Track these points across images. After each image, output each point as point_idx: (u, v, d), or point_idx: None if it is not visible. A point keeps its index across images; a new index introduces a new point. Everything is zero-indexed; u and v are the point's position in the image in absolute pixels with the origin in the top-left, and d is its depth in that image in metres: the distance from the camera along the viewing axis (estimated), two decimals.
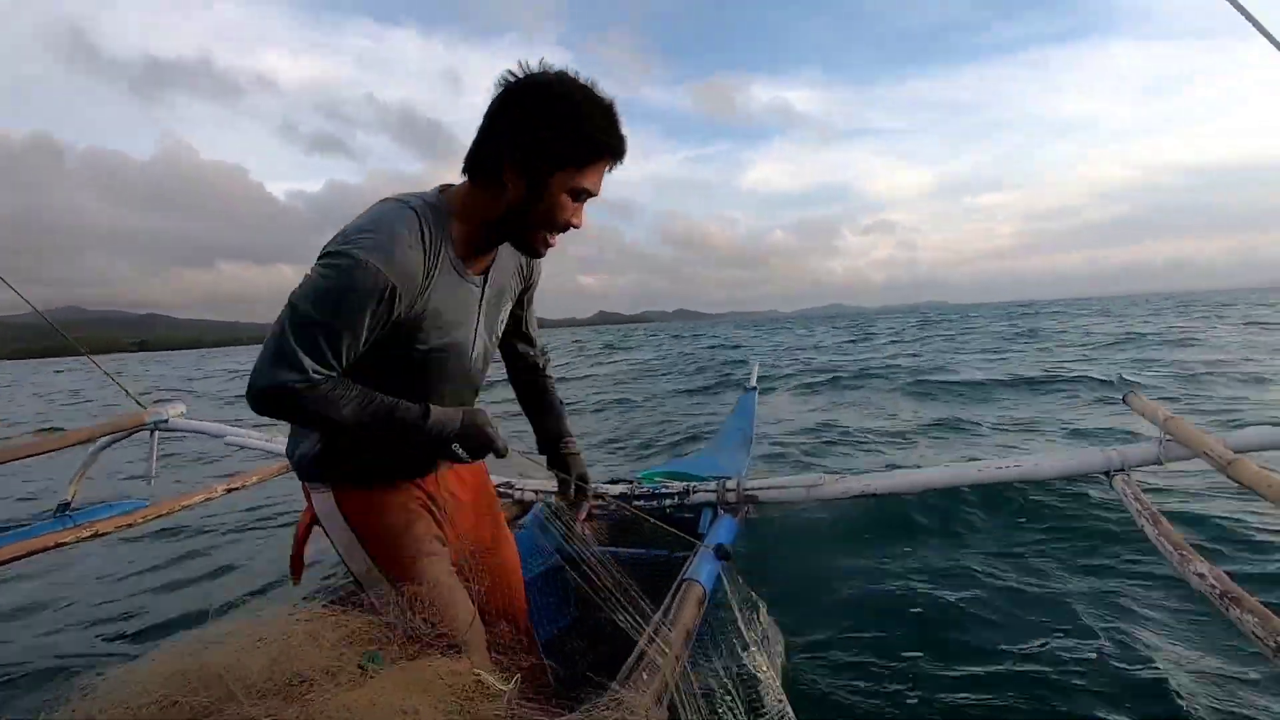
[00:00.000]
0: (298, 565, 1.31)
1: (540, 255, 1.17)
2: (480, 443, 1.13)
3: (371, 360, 1.06)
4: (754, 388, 4.06)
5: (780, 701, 1.39)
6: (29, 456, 2.77)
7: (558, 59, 1.10)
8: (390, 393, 1.08)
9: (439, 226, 1.05)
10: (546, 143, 1.00)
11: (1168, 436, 1.56)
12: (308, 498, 1.23)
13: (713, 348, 23.03)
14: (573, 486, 1.50)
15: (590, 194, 1.08)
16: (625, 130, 1.05)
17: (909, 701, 1.86)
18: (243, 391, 1.04)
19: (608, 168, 1.08)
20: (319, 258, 1.00)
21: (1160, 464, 1.56)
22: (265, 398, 1.00)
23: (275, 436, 2.96)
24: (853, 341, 22.47)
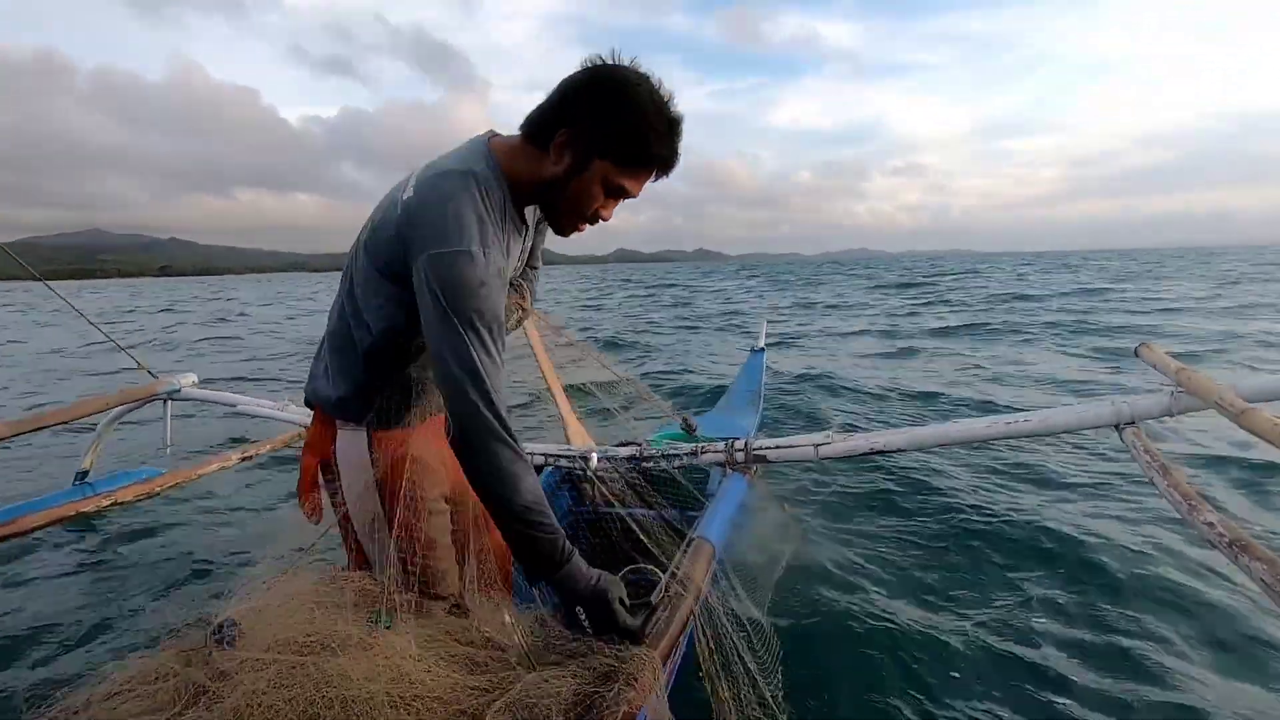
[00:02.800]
0: (316, 503, 1.25)
1: (564, 234, 1.19)
2: (605, 616, 1.03)
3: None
4: (762, 349, 4.04)
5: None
6: (45, 428, 2.81)
7: None
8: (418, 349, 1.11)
9: (496, 187, 1.07)
10: (603, 132, 1.02)
11: (1179, 388, 1.55)
12: (322, 439, 1.21)
13: None
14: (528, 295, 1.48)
15: (628, 195, 1.11)
16: (681, 146, 1.07)
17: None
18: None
19: (652, 178, 1.10)
20: (436, 263, 0.98)
21: (1171, 415, 1.55)
22: (485, 419, 0.97)
23: (287, 405, 2.99)
24: None
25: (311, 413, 1.25)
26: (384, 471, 1.17)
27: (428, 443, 1.21)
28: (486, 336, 0.99)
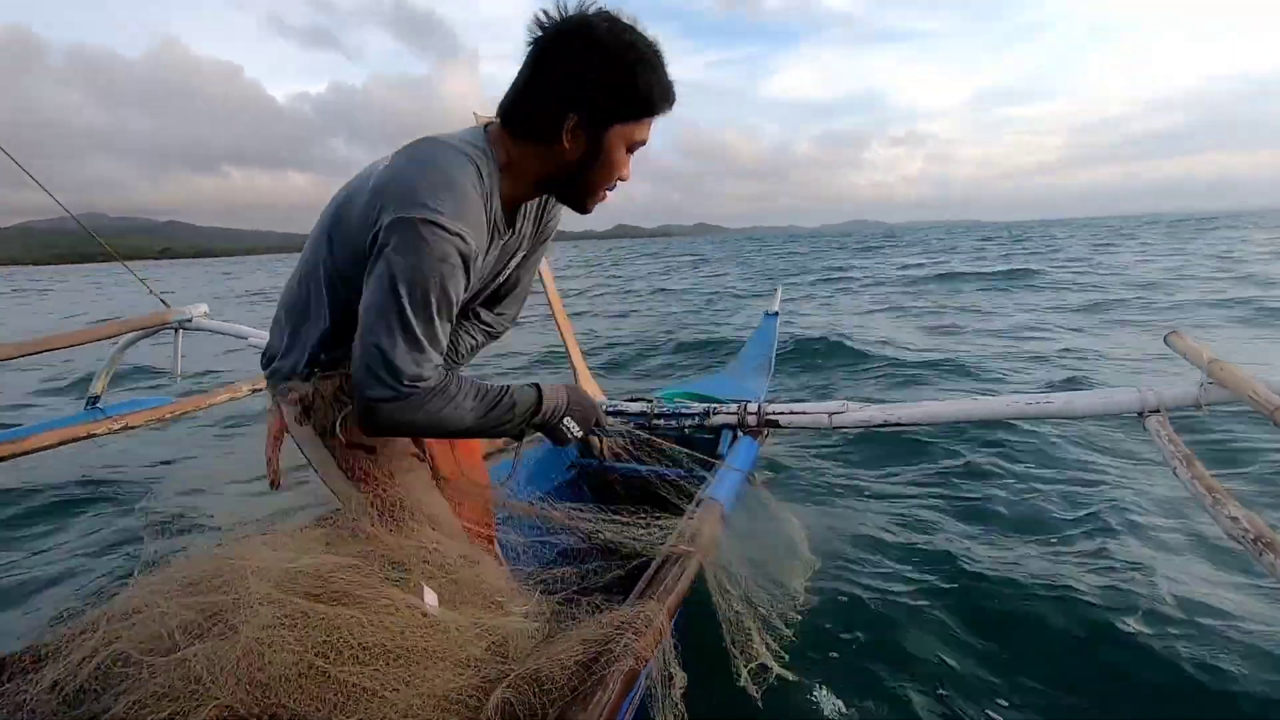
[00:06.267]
0: (274, 470, 1.24)
1: (589, 211, 1.12)
2: (588, 416, 1.16)
3: None
4: (775, 312, 3.99)
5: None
6: (57, 349, 2.82)
7: None
8: None
9: (492, 182, 1.01)
10: (613, 100, 0.96)
11: (1210, 380, 1.51)
12: (278, 407, 1.16)
13: None
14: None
15: (642, 145, 1.05)
16: (672, 75, 1.01)
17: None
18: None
19: (660, 116, 1.04)
20: (400, 228, 0.91)
21: (1199, 407, 1.52)
22: (390, 406, 0.93)
23: None
24: None
25: None
26: (336, 447, 1.11)
27: None
28: (432, 318, 0.93)
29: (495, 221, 1.03)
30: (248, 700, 0.68)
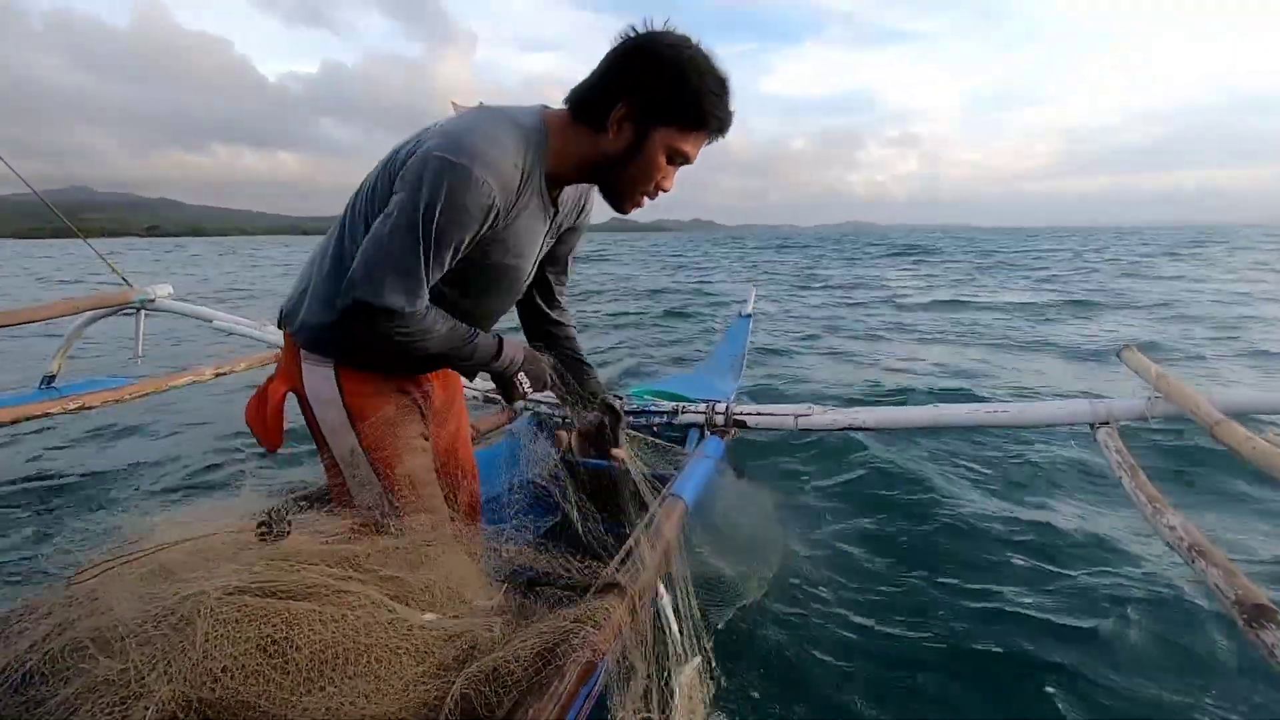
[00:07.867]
0: (276, 434, 1.22)
1: (625, 212, 1.16)
2: (540, 375, 1.24)
3: None
4: (748, 315, 4.03)
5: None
6: (10, 325, 2.73)
7: None
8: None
9: (539, 151, 1.06)
10: (662, 98, 1.02)
11: (1157, 394, 1.57)
12: (293, 367, 1.17)
13: None
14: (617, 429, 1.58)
15: (687, 160, 1.10)
16: (734, 107, 1.06)
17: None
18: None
19: (708, 140, 1.09)
20: (424, 163, 0.97)
21: (1146, 420, 1.58)
22: (372, 315, 1.00)
23: (265, 324, 2.94)
24: None
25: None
26: (357, 409, 1.15)
27: (399, 397, 1.20)
28: (436, 247, 0.98)
29: (537, 191, 1.09)
30: (199, 689, 0.67)
